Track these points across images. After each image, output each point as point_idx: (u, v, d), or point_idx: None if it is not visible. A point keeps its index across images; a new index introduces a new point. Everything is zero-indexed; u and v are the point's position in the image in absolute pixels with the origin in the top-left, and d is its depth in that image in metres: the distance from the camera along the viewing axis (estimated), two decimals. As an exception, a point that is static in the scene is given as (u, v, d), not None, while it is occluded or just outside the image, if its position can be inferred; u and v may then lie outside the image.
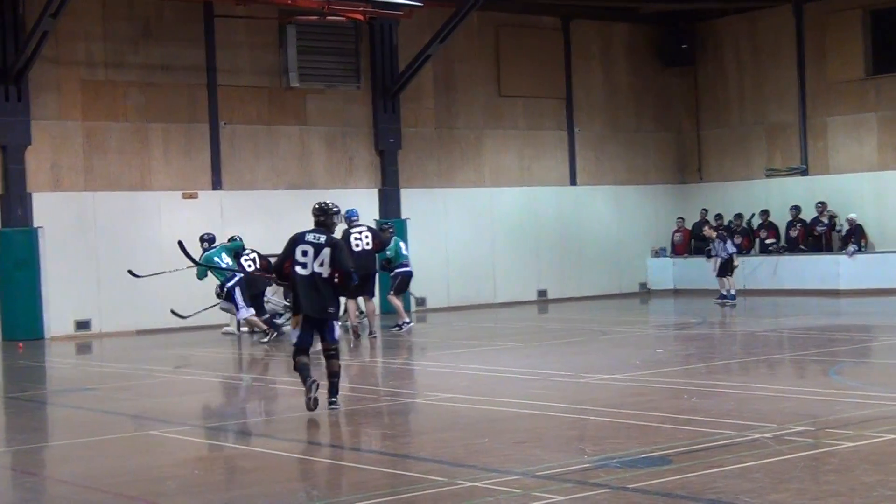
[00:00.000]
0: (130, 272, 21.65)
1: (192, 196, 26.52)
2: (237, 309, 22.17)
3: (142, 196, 25.99)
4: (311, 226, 13.22)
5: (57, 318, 24.56)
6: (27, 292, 23.38)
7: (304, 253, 12.86)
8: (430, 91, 29.96)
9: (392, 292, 22.96)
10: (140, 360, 20.35)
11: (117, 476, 10.17)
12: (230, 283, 22.02)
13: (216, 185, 26.92)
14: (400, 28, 29.03)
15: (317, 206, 13.28)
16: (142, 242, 25.60)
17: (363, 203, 28.42)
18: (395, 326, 22.74)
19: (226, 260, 22.20)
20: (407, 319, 22.88)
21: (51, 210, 24.74)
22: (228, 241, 23.29)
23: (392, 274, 22.92)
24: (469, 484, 9.13)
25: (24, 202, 24.54)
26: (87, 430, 13.04)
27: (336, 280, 12.88)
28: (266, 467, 10.45)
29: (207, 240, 22.69)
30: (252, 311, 22.23)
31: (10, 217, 24.39)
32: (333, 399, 12.94)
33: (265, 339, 22.06)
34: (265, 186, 27.43)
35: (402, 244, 23.13)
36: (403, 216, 28.69)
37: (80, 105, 25.46)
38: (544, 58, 31.66)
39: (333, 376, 12.97)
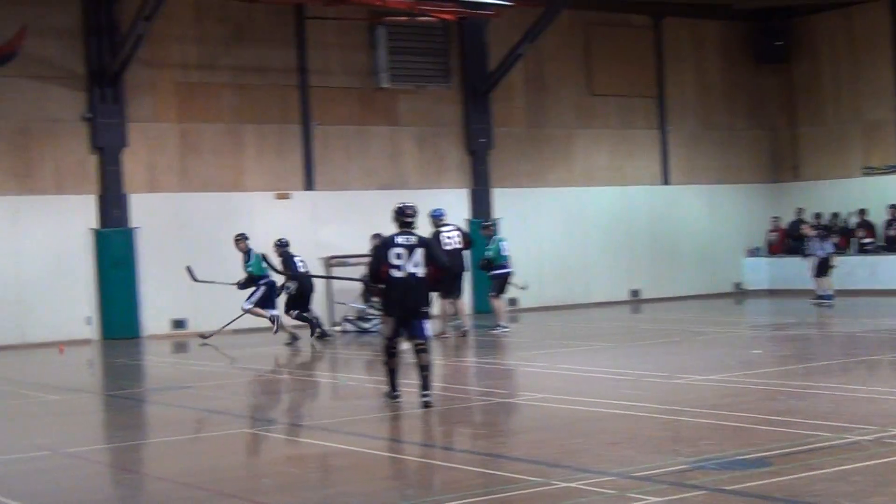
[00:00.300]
0: (189, 270, 22.06)
1: (285, 196, 26.73)
2: (248, 300, 22.36)
3: (235, 196, 26.25)
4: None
5: (153, 317, 24.88)
6: (124, 292, 23.71)
7: (398, 256, 13.18)
8: (520, 90, 29.91)
9: (493, 293, 22.83)
10: (234, 358, 20.54)
11: (214, 474, 10.27)
12: (262, 283, 22.25)
13: (308, 185, 27.11)
14: (490, 27, 29.01)
15: (401, 208, 13.55)
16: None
17: (454, 203, 28.51)
18: (494, 327, 22.61)
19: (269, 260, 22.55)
20: (503, 324, 22.74)
21: (147, 210, 25.07)
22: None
23: (491, 275, 22.79)
24: (564, 484, 9.08)
25: (121, 203, 24.90)
26: (184, 428, 13.19)
27: (430, 278, 13.26)
28: (360, 466, 10.48)
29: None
30: (275, 312, 22.45)
31: (107, 218, 24.75)
32: (426, 393, 13.18)
33: (275, 332, 22.34)
34: (357, 187, 27.55)
35: (504, 244, 22.82)
36: (495, 216, 28.66)
37: (174, 107, 25.78)
38: (635, 56, 31.46)
39: (424, 370, 13.21)
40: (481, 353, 20.40)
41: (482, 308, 26.00)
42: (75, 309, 24.24)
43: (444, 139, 28.89)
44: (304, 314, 22.76)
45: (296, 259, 22.72)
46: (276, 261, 22.40)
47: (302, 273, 22.63)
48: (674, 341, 20.64)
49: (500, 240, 22.87)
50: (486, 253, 22.58)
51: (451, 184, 28.87)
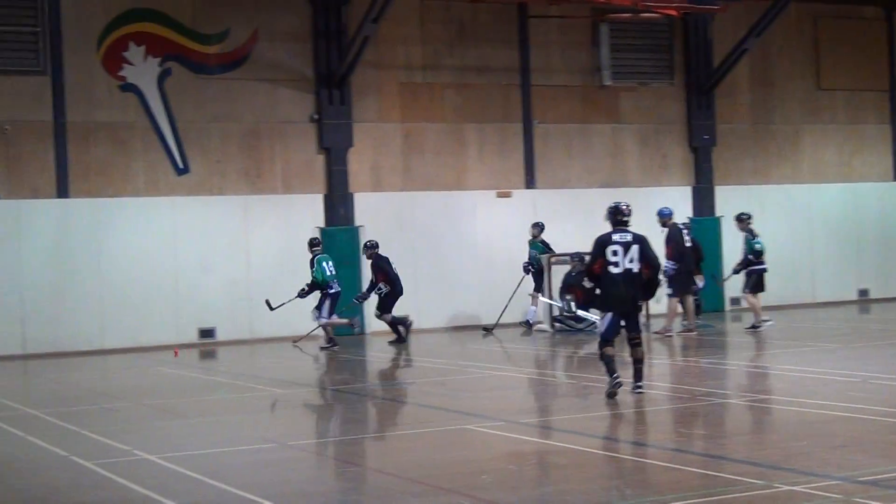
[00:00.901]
0: (267, 303, 22.50)
1: (506, 195, 26.87)
2: (320, 314, 22.42)
3: (457, 195, 26.51)
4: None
5: (374, 314, 25.24)
6: (350, 289, 24.13)
7: (615, 252, 13.82)
8: (745, 86, 29.41)
9: (748, 291, 22.41)
10: (454, 355, 20.76)
11: (434, 469, 10.40)
12: (332, 291, 22.38)
13: (529, 183, 27.21)
14: (715, 22, 28.61)
15: (617, 207, 14.29)
16: (457, 241, 26.14)
17: (677, 201, 28.18)
18: (757, 325, 22.14)
19: (331, 266, 22.50)
20: (766, 318, 22.24)
21: (371, 209, 25.55)
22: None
23: (746, 271, 22.39)
24: (787, 488, 8.91)
25: (347, 202, 25.44)
26: (405, 423, 13.41)
27: (644, 274, 13.92)
28: (578, 464, 10.47)
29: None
30: (333, 317, 22.47)
31: (333, 216, 25.31)
32: (639, 384, 13.98)
33: (326, 346, 22.41)
34: (577, 185, 27.52)
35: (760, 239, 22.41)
36: (717, 214, 28.26)
37: (398, 107, 26.21)
38: (866, 49, 30.58)
39: (638, 363, 14.01)
40: (703, 353, 20.12)
41: (707, 307, 25.66)
42: (302, 304, 24.81)
43: (667, 136, 28.62)
44: (394, 317, 23.25)
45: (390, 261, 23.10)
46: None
47: (395, 275, 23.07)
48: (905, 343, 20.00)
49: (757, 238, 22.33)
50: (755, 245, 22.12)
51: (674, 181, 28.58)
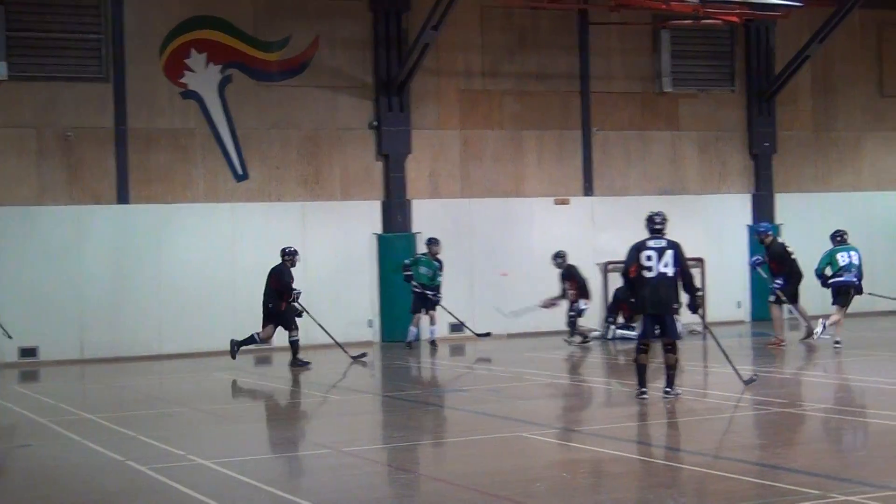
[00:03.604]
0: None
1: (564, 202, 26.81)
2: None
3: (515, 202, 26.49)
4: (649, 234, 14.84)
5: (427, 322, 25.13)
6: (406, 295, 24.13)
7: (648, 258, 14.53)
8: (807, 92, 29.16)
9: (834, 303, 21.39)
10: (509, 362, 20.72)
11: (488, 476, 10.39)
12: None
13: (587, 191, 27.13)
14: (777, 28, 28.41)
15: (651, 216, 14.89)
16: (515, 248, 26.10)
17: (736, 208, 28.05)
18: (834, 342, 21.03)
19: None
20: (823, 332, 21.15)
21: (429, 216, 25.55)
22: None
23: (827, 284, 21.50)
24: (843, 498, 8.81)
25: (404, 209, 25.47)
26: (459, 430, 13.40)
27: (679, 280, 14.54)
28: (633, 472, 10.43)
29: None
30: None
31: (391, 223, 25.35)
32: (668, 389, 14.51)
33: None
34: (636, 192, 27.39)
35: (842, 255, 21.41)
36: (777, 221, 28.03)
37: (457, 114, 26.23)
38: (930, 56, 30.22)
39: (670, 369, 14.57)
40: (757, 361, 19.95)
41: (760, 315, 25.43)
42: (358, 312, 24.92)
43: (727, 143, 28.43)
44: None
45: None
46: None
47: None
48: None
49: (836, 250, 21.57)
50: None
51: (733, 189, 28.39)
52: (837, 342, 20.72)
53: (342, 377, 19.70)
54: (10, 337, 22.44)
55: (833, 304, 21.36)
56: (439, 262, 23.73)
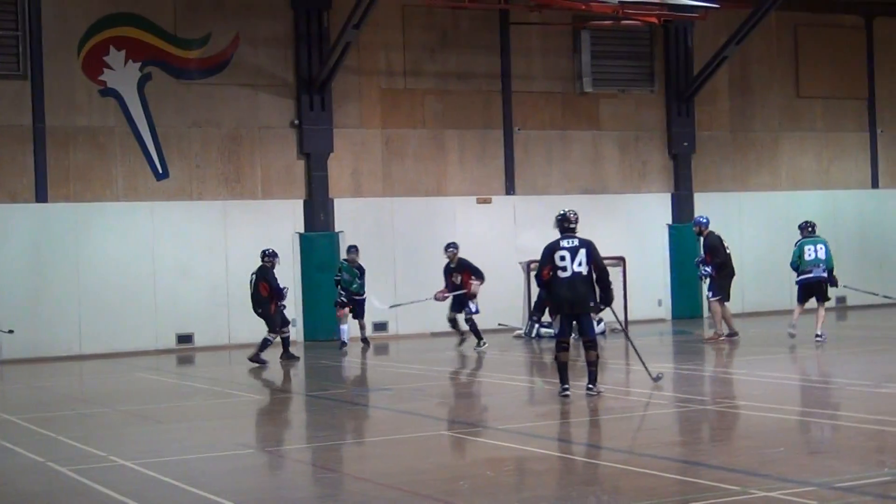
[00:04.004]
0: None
1: (486, 201, 26.91)
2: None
3: (437, 201, 26.54)
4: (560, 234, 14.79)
5: (354, 321, 25.15)
6: (328, 294, 24.08)
7: (562, 258, 14.49)
8: (725, 93, 29.51)
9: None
10: (432, 361, 20.75)
11: (412, 475, 10.39)
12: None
13: (509, 190, 27.24)
14: (695, 30, 28.71)
15: (563, 215, 14.86)
16: (437, 247, 26.04)
17: (656, 208, 28.31)
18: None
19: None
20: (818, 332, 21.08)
21: (351, 215, 25.54)
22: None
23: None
24: (763, 494, 8.92)
25: (327, 207, 25.42)
26: (383, 430, 13.39)
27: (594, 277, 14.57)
28: (556, 470, 10.49)
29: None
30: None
31: (313, 222, 25.30)
32: (590, 386, 14.61)
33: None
34: (557, 191, 27.55)
35: (808, 248, 21.29)
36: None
37: (379, 113, 26.22)
38: (845, 57, 30.70)
39: (591, 365, 14.68)
40: (680, 359, 20.17)
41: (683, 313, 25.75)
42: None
43: (647, 143, 28.70)
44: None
45: None
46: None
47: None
48: (881, 349, 20.07)
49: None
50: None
51: (653, 188, 28.66)
52: (819, 335, 20.78)
53: (267, 376, 19.60)
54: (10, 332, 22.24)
55: (798, 301, 21.50)
56: (360, 268, 23.42)
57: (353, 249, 23.43)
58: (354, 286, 23.13)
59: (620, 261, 25.59)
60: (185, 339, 24.22)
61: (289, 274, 24.81)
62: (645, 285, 27.61)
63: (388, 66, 26.35)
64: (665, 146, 28.82)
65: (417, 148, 26.53)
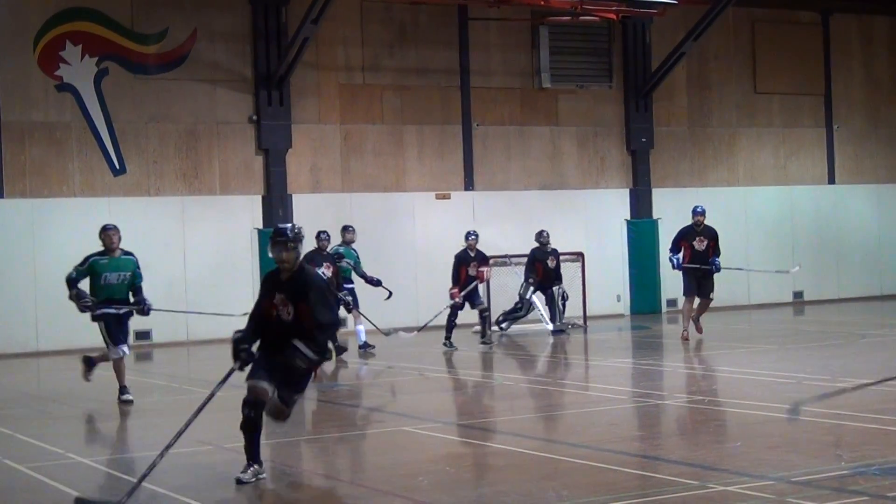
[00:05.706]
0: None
1: (445, 197, 26.91)
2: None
3: (396, 197, 26.52)
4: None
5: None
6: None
7: None
8: (682, 89, 29.64)
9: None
10: (392, 357, 20.73)
11: (371, 471, 10.40)
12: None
13: (468, 185, 27.25)
14: (653, 26, 28.82)
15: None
16: (396, 242, 26.14)
17: (614, 203, 28.40)
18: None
19: None
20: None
21: (310, 210, 25.44)
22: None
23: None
24: (721, 488, 8.98)
25: (285, 203, 25.34)
26: (343, 426, 13.38)
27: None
28: (516, 465, 10.50)
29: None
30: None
31: (271, 217, 25.21)
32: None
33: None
34: (516, 187, 27.60)
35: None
36: (655, 216, 28.47)
37: (338, 108, 26.16)
38: (802, 53, 30.89)
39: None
40: (638, 354, 20.25)
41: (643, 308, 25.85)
42: (238, 307, 24.58)
43: (605, 139, 28.77)
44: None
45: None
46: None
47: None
48: (837, 344, 20.22)
49: None
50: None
51: (612, 184, 28.74)
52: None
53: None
54: None
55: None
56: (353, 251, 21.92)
57: (350, 229, 21.98)
58: (360, 271, 21.83)
59: (579, 256, 25.72)
60: (142, 335, 24.02)
61: (247, 270, 24.76)
62: (603, 281, 27.71)
63: (346, 62, 26.29)
64: (623, 142, 28.91)
65: (376, 143, 26.50)
